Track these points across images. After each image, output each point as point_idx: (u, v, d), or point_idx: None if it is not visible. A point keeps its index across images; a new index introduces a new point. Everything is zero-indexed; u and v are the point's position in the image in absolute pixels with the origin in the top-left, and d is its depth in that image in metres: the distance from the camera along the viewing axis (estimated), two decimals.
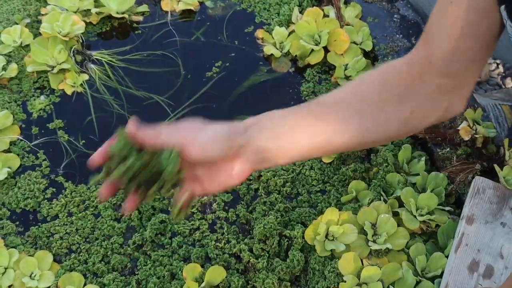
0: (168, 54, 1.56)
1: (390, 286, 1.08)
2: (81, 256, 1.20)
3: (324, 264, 1.14)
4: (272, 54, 1.54)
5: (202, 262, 1.17)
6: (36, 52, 1.49)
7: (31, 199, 1.29)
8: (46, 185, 1.32)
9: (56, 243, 1.22)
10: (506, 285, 0.96)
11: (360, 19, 1.58)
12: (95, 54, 1.56)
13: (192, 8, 1.65)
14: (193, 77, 1.52)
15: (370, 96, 0.83)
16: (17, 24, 1.60)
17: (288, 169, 1.32)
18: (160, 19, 1.65)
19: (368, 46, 1.51)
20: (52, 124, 1.42)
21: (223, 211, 1.26)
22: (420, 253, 1.13)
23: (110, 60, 1.55)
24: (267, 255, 1.17)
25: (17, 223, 1.26)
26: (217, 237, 1.21)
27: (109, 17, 1.63)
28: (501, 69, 1.83)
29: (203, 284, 1.11)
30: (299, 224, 1.21)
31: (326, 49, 1.51)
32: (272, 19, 1.62)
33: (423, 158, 1.27)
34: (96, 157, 0.80)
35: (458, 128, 1.28)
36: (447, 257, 1.11)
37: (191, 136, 0.79)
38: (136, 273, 1.18)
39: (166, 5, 1.66)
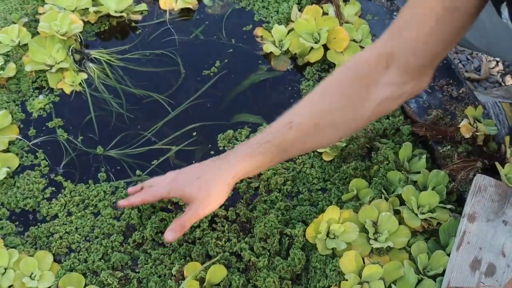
0: (167, 53, 1.56)
1: (392, 284, 1.08)
2: (81, 255, 1.20)
3: (326, 263, 1.14)
4: (271, 52, 1.53)
5: (203, 260, 1.17)
6: (34, 51, 1.48)
7: (30, 198, 1.28)
8: (46, 184, 1.31)
9: (56, 242, 1.21)
10: (511, 284, 0.96)
11: (359, 17, 1.57)
12: (94, 53, 1.55)
13: (190, 6, 1.64)
14: (192, 75, 1.51)
15: (336, 105, 0.98)
16: (14, 23, 1.59)
17: (289, 167, 1.32)
18: (159, 17, 1.64)
19: (368, 44, 1.50)
20: (51, 123, 1.41)
21: (223, 210, 1.25)
22: (422, 251, 1.12)
23: (109, 59, 1.54)
24: (268, 253, 1.16)
25: (17, 223, 1.25)
26: (217, 235, 1.20)
27: (107, 16, 1.62)
28: (500, 66, 1.83)
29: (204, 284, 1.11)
30: (300, 223, 1.20)
31: (325, 47, 1.50)
32: (271, 17, 1.61)
33: (424, 156, 1.27)
34: (121, 203, 1.13)
35: (459, 126, 1.28)
36: (448, 255, 1.11)
37: (199, 197, 1.02)
38: (137, 271, 1.18)
39: (164, 4, 1.65)
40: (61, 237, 1.22)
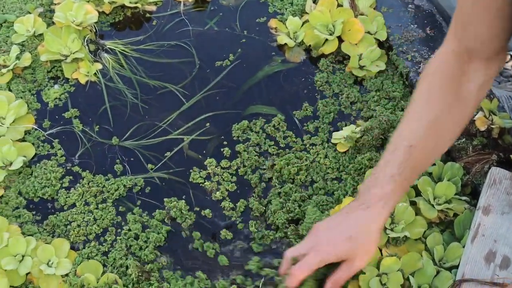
0: (182, 44, 1.56)
1: (410, 276, 1.08)
2: (102, 246, 1.20)
3: None
4: (285, 44, 1.53)
5: None
6: (50, 41, 1.49)
7: (48, 187, 1.29)
8: (63, 173, 1.32)
9: (73, 231, 1.22)
10: None
11: (374, 9, 1.57)
12: (108, 43, 1.56)
13: None
14: (207, 66, 1.51)
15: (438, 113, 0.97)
16: (30, 13, 1.60)
17: (302, 157, 1.32)
18: (173, 9, 1.64)
19: (383, 36, 1.50)
20: (68, 114, 1.42)
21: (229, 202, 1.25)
22: (438, 243, 1.12)
23: (124, 50, 1.55)
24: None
25: (34, 212, 1.26)
26: None
27: (122, 6, 1.63)
28: None
29: None
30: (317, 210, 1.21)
31: (340, 39, 1.50)
32: (286, 8, 1.61)
33: None
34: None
35: (474, 119, 1.27)
36: (463, 247, 1.11)
37: (356, 257, 0.96)
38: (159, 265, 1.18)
39: None
40: (79, 225, 1.23)
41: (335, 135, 1.35)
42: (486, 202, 1.15)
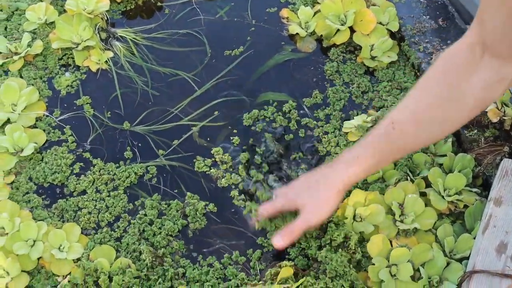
0: (193, 33, 1.56)
1: (420, 267, 1.07)
2: (114, 232, 1.20)
3: None
4: (297, 34, 1.53)
5: None
6: (61, 29, 1.49)
7: (58, 173, 1.29)
8: (73, 160, 1.32)
9: (84, 217, 1.22)
10: None
11: None
12: (120, 31, 1.56)
13: None
14: (218, 55, 1.51)
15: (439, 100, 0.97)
16: (41, 1, 1.60)
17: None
18: None
19: (395, 27, 1.49)
20: (79, 101, 1.43)
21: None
22: (448, 234, 1.12)
23: (135, 38, 1.55)
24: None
25: (44, 196, 1.27)
26: None
27: None
28: None
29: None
30: None
31: (352, 29, 1.49)
32: None
33: (450, 139, 1.26)
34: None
35: (486, 110, 1.27)
36: (474, 239, 1.11)
37: (309, 206, 1.06)
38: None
39: None
40: (89, 213, 1.24)
41: (347, 124, 1.34)
42: (497, 193, 1.14)
